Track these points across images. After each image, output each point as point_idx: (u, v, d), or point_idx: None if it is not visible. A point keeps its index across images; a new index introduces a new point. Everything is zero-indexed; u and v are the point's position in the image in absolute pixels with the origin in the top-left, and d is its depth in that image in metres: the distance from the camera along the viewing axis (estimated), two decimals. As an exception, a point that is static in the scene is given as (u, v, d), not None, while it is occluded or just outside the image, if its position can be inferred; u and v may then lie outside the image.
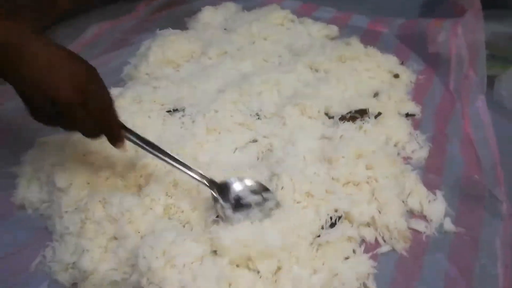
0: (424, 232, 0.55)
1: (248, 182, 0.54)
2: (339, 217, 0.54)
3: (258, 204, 0.52)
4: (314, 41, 0.86)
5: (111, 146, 0.52)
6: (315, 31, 0.89)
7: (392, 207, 0.55)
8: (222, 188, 0.52)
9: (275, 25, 0.90)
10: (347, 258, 0.51)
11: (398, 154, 0.64)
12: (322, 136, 0.65)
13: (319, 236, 0.52)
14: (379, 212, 0.55)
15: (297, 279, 0.47)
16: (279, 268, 0.48)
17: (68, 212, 0.54)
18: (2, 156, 0.64)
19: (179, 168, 0.52)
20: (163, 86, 0.72)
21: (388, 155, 0.60)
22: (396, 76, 0.77)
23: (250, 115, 0.68)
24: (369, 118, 0.66)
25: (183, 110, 0.68)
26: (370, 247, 0.53)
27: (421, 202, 0.57)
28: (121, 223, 0.51)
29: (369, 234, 0.54)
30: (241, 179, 0.54)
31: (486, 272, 0.51)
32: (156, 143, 0.53)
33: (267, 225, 0.50)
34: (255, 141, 0.64)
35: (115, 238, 0.52)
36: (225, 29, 0.90)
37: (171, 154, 0.52)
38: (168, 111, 0.68)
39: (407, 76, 0.78)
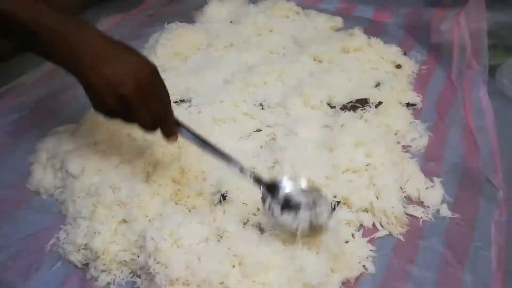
0: (421, 218, 0.57)
1: (302, 183, 0.51)
2: (338, 202, 0.56)
3: (309, 206, 0.50)
4: (319, 33, 0.88)
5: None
6: (320, 23, 0.90)
7: (389, 193, 0.57)
8: (271, 187, 0.51)
9: (280, 17, 0.91)
10: (347, 241, 0.53)
11: (398, 142, 0.66)
12: (324, 125, 0.67)
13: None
14: (377, 198, 0.57)
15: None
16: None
17: (81, 197, 0.57)
18: (18, 145, 0.68)
19: (229, 165, 0.52)
20: (170, 77, 0.74)
21: (387, 143, 0.62)
22: (399, 66, 0.78)
23: (255, 105, 0.70)
24: (369, 107, 0.68)
25: (190, 100, 0.70)
26: (368, 232, 0.55)
27: (418, 189, 0.59)
28: (130, 207, 0.54)
29: (367, 219, 0.56)
30: (293, 179, 0.52)
31: (479, 254, 0.53)
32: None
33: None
34: (259, 130, 0.67)
35: (125, 221, 0.54)
36: (231, 21, 0.92)
37: (223, 151, 0.52)
38: (176, 102, 0.70)
39: (410, 66, 0.79)
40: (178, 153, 0.61)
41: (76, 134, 0.64)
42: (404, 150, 0.65)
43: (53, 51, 0.49)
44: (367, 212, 0.57)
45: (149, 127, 0.51)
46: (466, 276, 0.51)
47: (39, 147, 0.65)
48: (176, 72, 0.77)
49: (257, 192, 0.53)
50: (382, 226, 0.56)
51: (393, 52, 0.81)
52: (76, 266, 0.53)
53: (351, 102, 0.68)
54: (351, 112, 0.68)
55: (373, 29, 0.88)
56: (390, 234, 0.55)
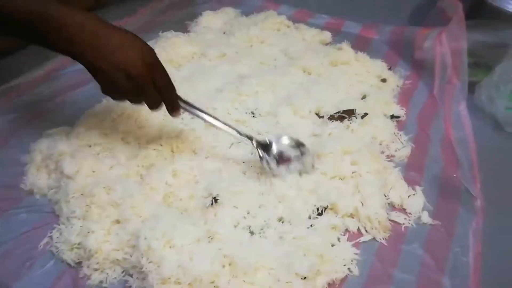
0: (403, 224, 0.59)
1: (286, 140, 0.61)
2: (325, 208, 0.59)
3: (297, 158, 0.61)
4: (308, 46, 0.91)
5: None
6: (309, 37, 0.94)
7: (374, 200, 0.59)
8: (266, 146, 0.60)
9: (272, 30, 0.94)
10: (333, 245, 0.55)
11: (382, 152, 0.69)
12: (312, 134, 0.69)
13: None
14: (362, 204, 0.59)
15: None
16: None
17: (75, 197, 0.58)
18: (12, 145, 0.69)
19: (228, 130, 0.60)
20: (164, 84, 0.76)
21: (372, 153, 0.64)
22: (384, 80, 0.82)
23: (246, 113, 0.73)
24: (356, 118, 0.71)
25: (183, 107, 0.72)
26: (353, 236, 0.58)
27: (401, 196, 0.62)
28: (124, 208, 0.56)
29: (352, 224, 0.58)
30: (279, 137, 0.61)
31: (458, 260, 0.55)
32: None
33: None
34: (250, 138, 0.69)
35: (118, 222, 0.56)
36: (224, 32, 0.95)
37: (221, 120, 0.60)
38: (169, 108, 0.72)
39: (394, 80, 0.83)
40: (171, 157, 0.63)
41: (71, 136, 0.65)
42: (388, 159, 0.68)
43: (60, 40, 0.51)
44: (353, 218, 0.59)
45: (155, 104, 0.56)
46: (445, 280, 0.53)
47: (33, 148, 0.66)
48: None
49: (250, 194, 0.58)
50: (366, 231, 0.58)
51: (379, 66, 0.85)
52: (69, 265, 0.54)
53: (338, 112, 0.71)
54: (338, 122, 0.71)
55: (360, 45, 0.92)
56: (374, 238, 0.57)
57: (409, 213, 0.61)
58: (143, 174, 0.61)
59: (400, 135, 0.72)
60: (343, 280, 0.53)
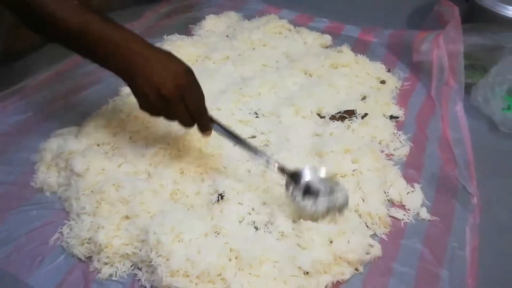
0: (402, 220, 0.61)
1: (321, 173, 0.58)
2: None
3: (326, 193, 0.56)
4: (309, 49, 0.93)
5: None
6: (310, 40, 0.96)
7: (374, 197, 0.61)
8: (294, 175, 0.57)
9: (273, 33, 0.97)
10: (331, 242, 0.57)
11: (382, 151, 0.71)
12: (314, 133, 0.71)
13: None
14: (363, 200, 0.61)
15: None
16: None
17: (85, 194, 0.59)
18: (22, 145, 0.71)
19: (257, 158, 0.59)
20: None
21: (372, 151, 0.66)
22: (383, 82, 0.84)
23: (250, 113, 0.75)
24: (356, 118, 0.73)
25: (188, 107, 0.74)
26: (354, 232, 0.59)
27: (400, 193, 0.64)
28: (133, 204, 0.57)
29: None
30: (314, 169, 0.58)
31: (455, 254, 0.57)
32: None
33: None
34: (253, 137, 0.71)
35: (127, 218, 0.57)
36: (227, 36, 0.97)
37: (250, 145, 0.59)
38: (175, 108, 0.74)
39: (393, 82, 0.85)
40: (178, 155, 0.65)
41: (80, 136, 0.67)
42: (387, 158, 0.70)
43: (103, 56, 0.55)
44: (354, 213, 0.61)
45: (186, 122, 0.57)
46: (443, 273, 0.55)
47: (43, 147, 0.67)
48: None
49: (255, 191, 0.60)
50: (367, 226, 0.60)
51: (378, 68, 0.87)
52: (79, 259, 0.56)
53: (339, 112, 0.73)
54: (339, 122, 0.73)
55: (360, 48, 0.94)
56: (375, 234, 0.59)
57: (408, 209, 0.63)
58: (151, 172, 0.63)
59: (399, 134, 0.74)
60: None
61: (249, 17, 1.05)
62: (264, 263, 0.53)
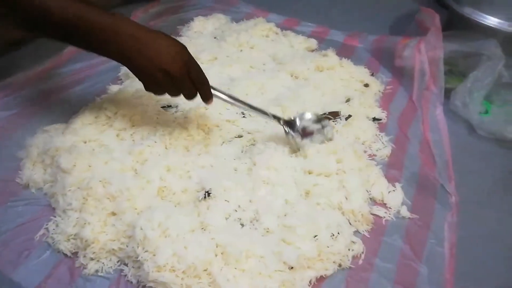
0: (384, 217, 0.63)
1: (308, 115, 0.69)
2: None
3: (319, 131, 0.69)
4: (296, 52, 0.95)
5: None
6: (296, 43, 0.98)
7: (357, 195, 0.63)
8: (291, 123, 0.68)
9: (261, 36, 0.98)
10: (315, 236, 0.58)
11: (365, 151, 0.72)
12: (299, 134, 0.73)
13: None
14: (346, 199, 0.62)
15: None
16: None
17: (71, 191, 0.59)
18: (7, 141, 0.70)
19: (257, 111, 0.67)
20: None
21: (356, 152, 0.68)
22: (366, 85, 0.86)
23: (237, 113, 0.76)
24: (340, 119, 0.75)
25: (177, 106, 0.75)
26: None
27: (382, 192, 0.66)
28: (120, 200, 0.58)
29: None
30: (302, 114, 0.69)
31: (434, 250, 0.60)
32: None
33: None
34: (240, 136, 0.72)
35: (114, 214, 0.58)
36: (215, 37, 0.98)
37: (249, 103, 0.66)
38: (163, 107, 0.75)
39: (376, 86, 0.87)
40: (164, 153, 0.66)
41: (66, 133, 0.67)
42: (370, 158, 0.72)
43: (100, 44, 0.56)
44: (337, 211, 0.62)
45: (192, 95, 0.62)
46: (423, 268, 0.57)
47: (29, 143, 0.67)
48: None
49: (241, 189, 0.61)
50: (350, 223, 0.61)
51: (362, 72, 0.89)
52: (65, 255, 0.56)
53: (324, 114, 0.75)
54: (324, 123, 0.75)
55: (344, 52, 0.96)
56: (357, 230, 0.61)
57: (389, 208, 0.65)
58: (138, 169, 0.63)
59: (382, 136, 0.76)
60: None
61: (237, 19, 1.06)
62: (249, 258, 0.54)
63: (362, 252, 0.58)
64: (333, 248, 0.56)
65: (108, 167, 0.63)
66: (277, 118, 0.68)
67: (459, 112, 0.81)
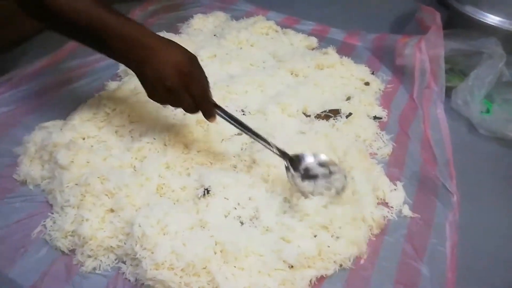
0: (386, 216, 0.62)
1: (321, 157, 0.60)
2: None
3: (325, 176, 0.59)
4: (296, 50, 0.94)
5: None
6: (296, 41, 0.97)
7: (368, 200, 0.61)
8: (294, 160, 0.60)
9: (261, 34, 0.98)
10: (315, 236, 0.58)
11: (366, 150, 0.72)
12: (299, 131, 0.72)
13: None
14: (354, 200, 0.61)
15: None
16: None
17: (69, 187, 0.59)
18: (5, 137, 0.70)
19: (259, 141, 0.60)
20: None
21: (358, 150, 0.68)
22: (367, 83, 0.86)
23: (236, 111, 0.75)
24: (341, 117, 0.75)
25: (176, 103, 0.74)
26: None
27: (384, 191, 0.65)
28: (118, 197, 0.57)
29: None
30: (314, 154, 0.60)
31: (436, 249, 0.59)
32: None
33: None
34: (240, 134, 0.71)
35: (112, 211, 0.57)
36: (214, 35, 0.97)
37: (253, 130, 0.60)
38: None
39: (377, 84, 0.87)
40: (163, 150, 0.65)
41: (65, 129, 0.67)
42: (371, 157, 0.71)
43: (113, 49, 0.56)
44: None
45: (191, 110, 0.59)
46: (424, 268, 0.57)
47: (27, 140, 0.67)
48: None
49: (241, 187, 0.60)
50: (360, 226, 0.59)
51: (362, 70, 0.88)
52: (63, 252, 0.55)
53: (324, 111, 0.75)
54: (324, 120, 0.74)
55: (344, 50, 0.96)
56: (360, 229, 0.60)
57: (391, 207, 0.64)
58: (137, 166, 0.63)
59: (382, 134, 0.76)
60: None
61: (237, 17, 1.05)
62: (249, 256, 0.53)
63: (365, 253, 0.57)
64: (334, 248, 0.55)
65: (107, 164, 0.62)
66: (282, 152, 0.60)
67: (460, 111, 0.81)
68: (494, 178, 0.71)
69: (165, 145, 0.66)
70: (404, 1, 1.19)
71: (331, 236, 0.56)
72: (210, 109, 0.59)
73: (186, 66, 0.56)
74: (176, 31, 0.99)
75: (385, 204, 0.64)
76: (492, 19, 0.89)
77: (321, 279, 0.55)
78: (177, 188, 0.61)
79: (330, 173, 0.59)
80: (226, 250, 0.53)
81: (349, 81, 0.85)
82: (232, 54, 0.89)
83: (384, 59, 0.95)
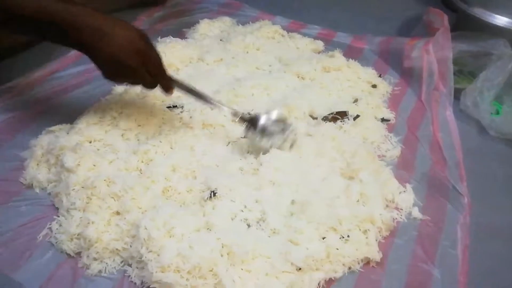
0: (395, 219, 0.61)
1: (273, 115, 0.65)
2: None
3: (279, 133, 0.65)
4: (302, 54, 0.94)
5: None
6: (302, 45, 0.97)
7: (376, 200, 0.60)
8: (252, 121, 0.65)
9: (267, 38, 0.98)
10: (323, 238, 0.57)
11: (374, 152, 0.71)
12: (306, 133, 0.72)
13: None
14: (363, 203, 0.59)
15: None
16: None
17: (75, 190, 0.59)
18: (11, 142, 0.70)
19: (218, 106, 0.65)
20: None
21: (367, 152, 0.67)
22: (374, 86, 0.85)
23: (243, 113, 0.75)
24: (348, 119, 0.74)
25: (182, 106, 0.74)
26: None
27: (393, 193, 0.64)
28: (124, 199, 0.57)
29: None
30: (268, 113, 0.66)
31: (447, 252, 0.58)
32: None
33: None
34: (246, 136, 0.71)
35: (118, 213, 0.57)
36: (221, 40, 0.97)
37: (211, 98, 0.65)
38: (169, 107, 0.74)
39: (384, 87, 0.86)
40: (170, 153, 0.65)
41: (71, 133, 0.67)
42: (380, 159, 0.70)
43: (58, 35, 0.56)
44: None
45: (149, 85, 0.62)
46: (435, 271, 0.55)
47: (34, 144, 0.67)
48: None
49: (247, 189, 0.60)
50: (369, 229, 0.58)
51: (369, 73, 0.88)
52: (68, 255, 0.55)
53: (331, 113, 0.74)
54: (331, 123, 0.73)
55: (351, 53, 0.95)
56: (368, 231, 0.59)
57: (401, 209, 0.63)
58: (143, 169, 0.63)
59: (391, 136, 0.75)
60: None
61: (243, 22, 1.06)
62: (256, 258, 0.52)
63: (374, 255, 0.56)
64: (342, 251, 0.54)
65: (113, 167, 0.62)
66: (238, 114, 0.65)
67: (469, 113, 0.80)
68: (505, 179, 0.70)
69: (171, 147, 0.66)
70: (409, 5, 1.19)
71: (340, 239, 0.55)
72: (168, 82, 0.62)
73: (140, 43, 0.58)
74: (182, 36, 0.99)
75: (395, 206, 0.63)
76: (501, 20, 0.88)
77: (329, 282, 0.54)
78: (183, 191, 0.61)
79: (283, 129, 0.65)
80: (233, 253, 0.52)
81: (356, 84, 0.85)
82: (238, 58, 0.89)
83: (391, 61, 0.94)
